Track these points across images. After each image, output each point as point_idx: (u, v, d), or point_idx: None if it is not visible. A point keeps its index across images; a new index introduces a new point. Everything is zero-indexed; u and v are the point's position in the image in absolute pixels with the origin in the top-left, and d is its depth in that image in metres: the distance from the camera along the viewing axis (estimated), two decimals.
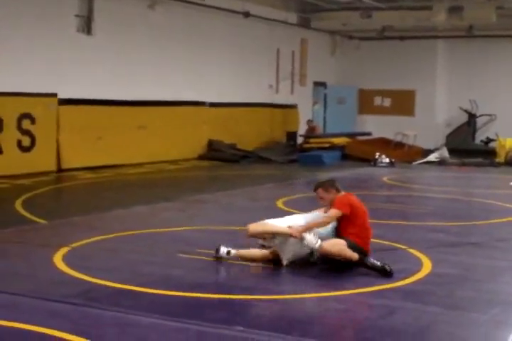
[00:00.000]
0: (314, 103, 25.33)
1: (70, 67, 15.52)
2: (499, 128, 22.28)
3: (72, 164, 15.43)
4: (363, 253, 6.86)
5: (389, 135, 21.72)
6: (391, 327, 5.29)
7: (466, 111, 23.64)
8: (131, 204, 10.87)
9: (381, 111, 25.45)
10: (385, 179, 15.84)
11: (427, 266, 7.09)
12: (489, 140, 22.93)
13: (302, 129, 22.90)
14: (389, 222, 9.84)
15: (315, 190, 7.14)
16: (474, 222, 10.11)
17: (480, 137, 23.71)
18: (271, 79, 22.38)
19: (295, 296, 6.10)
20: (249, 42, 21.08)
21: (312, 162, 19.02)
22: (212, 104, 19.68)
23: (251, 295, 6.02)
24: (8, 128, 14.16)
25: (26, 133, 14.58)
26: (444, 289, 6.33)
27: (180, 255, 7.36)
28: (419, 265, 7.14)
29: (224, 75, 20.16)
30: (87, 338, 4.80)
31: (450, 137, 23.70)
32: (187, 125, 18.80)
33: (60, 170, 15.19)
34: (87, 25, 15.89)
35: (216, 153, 19.22)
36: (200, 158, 19.08)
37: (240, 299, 5.94)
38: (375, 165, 18.99)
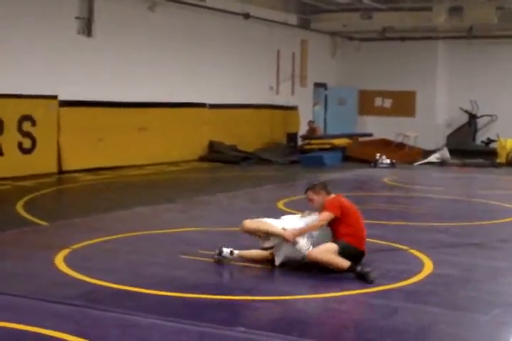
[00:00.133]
0: (315, 104, 25.33)
1: (71, 69, 15.53)
2: (500, 129, 22.26)
3: (73, 166, 15.43)
4: (359, 253, 6.88)
5: (390, 136, 21.73)
6: (392, 327, 5.30)
7: (466, 111, 23.62)
8: (133, 206, 10.87)
9: (382, 112, 25.44)
10: (385, 180, 15.84)
11: (428, 267, 7.09)
12: (490, 140, 22.92)
13: (303, 130, 22.90)
14: (390, 222, 9.86)
15: (305, 192, 7.19)
16: (475, 223, 10.11)
17: (481, 138, 23.69)
18: (271, 80, 22.39)
19: (295, 297, 6.10)
20: (250, 44, 21.09)
21: (313, 163, 19.02)
22: (213, 106, 19.68)
23: (252, 296, 6.03)
24: (9, 130, 14.17)
25: (27, 135, 14.58)
26: (445, 290, 6.33)
27: (182, 256, 7.37)
28: (420, 265, 7.14)
29: (224, 76, 20.17)
30: (88, 339, 4.80)
31: (451, 138, 23.68)
32: (187, 126, 18.81)
33: (60, 171, 15.20)
34: (87, 27, 15.90)
35: (217, 154, 19.22)
36: (201, 159, 19.08)
37: (241, 300, 5.95)
38: (375, 166, 18.99)
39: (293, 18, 22.68)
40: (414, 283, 6.49)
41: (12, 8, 14.32)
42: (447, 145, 22.32)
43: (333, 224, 6.94)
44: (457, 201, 12.78)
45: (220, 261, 7.06)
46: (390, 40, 24.84)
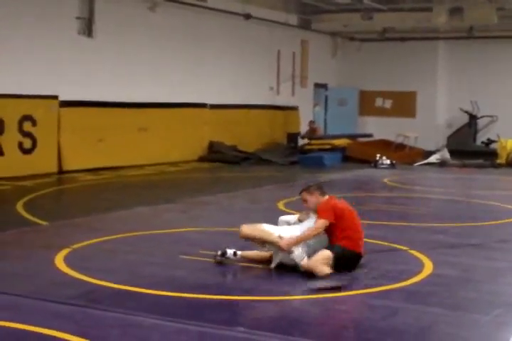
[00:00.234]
0: (315, 105, 25.33)
1: (71, 69, 15.53)
2: (500, 130, 22.25)
3: (73, 166, 15.44)
4: (355, 256, 6.88)
5: (390, 136, 21.72)
6: (392, 327, 5.30)
7: (467, 112, 23.62)
8: (132, 206, 10.88)
9: (382, 112, 25.45)
10: (385, 180, 15.84)
11: (428, 267, 7.09)
12: (490, 141, 22.92)
13: (303, 131, 22.90)
14: (390, 223, 9.86)
15: (300, 193, 7.17)
16: (475, 223, 10.11)
17: (481, 138, 23.69)
18: (272, 80, 22.39)
19: (296, 297, 6.11)
20: (250, 44, 21.10)
21: (313, 163, 19.02)
22: (213, 106, 19.69)
23: (252, 296, 6.03)
24: (10, 130, 14.17)
25: (27, 135, 14.59)
26: (445, 290, 6.33)
27: (182, 256, 7.37)
28: (420, 266, 7.14)
29: (225, 77, 20.17)
30: (88, 339, 4.80)
31: (451, 138, 23.69)
32: (188, 127, 18.81)
33: (61, 171, 15.20)
34: (87, 27, 15.90)
35: (217, 154, 19.22)
36: (201, 159, 19.08)
37: (241, 300, 5.95)
38: (375, 166, 18.99)
39: (293, 19, 22.69)
40: (414, 284, 6.49)
41: (12, 8, 14.32)
42: (447, 145, 22.32)
43: (328, 228, 6.91)
44: (457, 202, 12.78)
45: (222, 261, 7.06)
46: (391, 41, 24.86)
